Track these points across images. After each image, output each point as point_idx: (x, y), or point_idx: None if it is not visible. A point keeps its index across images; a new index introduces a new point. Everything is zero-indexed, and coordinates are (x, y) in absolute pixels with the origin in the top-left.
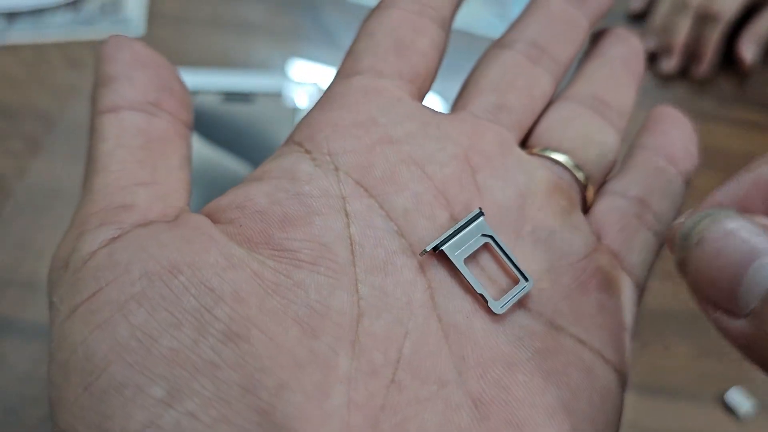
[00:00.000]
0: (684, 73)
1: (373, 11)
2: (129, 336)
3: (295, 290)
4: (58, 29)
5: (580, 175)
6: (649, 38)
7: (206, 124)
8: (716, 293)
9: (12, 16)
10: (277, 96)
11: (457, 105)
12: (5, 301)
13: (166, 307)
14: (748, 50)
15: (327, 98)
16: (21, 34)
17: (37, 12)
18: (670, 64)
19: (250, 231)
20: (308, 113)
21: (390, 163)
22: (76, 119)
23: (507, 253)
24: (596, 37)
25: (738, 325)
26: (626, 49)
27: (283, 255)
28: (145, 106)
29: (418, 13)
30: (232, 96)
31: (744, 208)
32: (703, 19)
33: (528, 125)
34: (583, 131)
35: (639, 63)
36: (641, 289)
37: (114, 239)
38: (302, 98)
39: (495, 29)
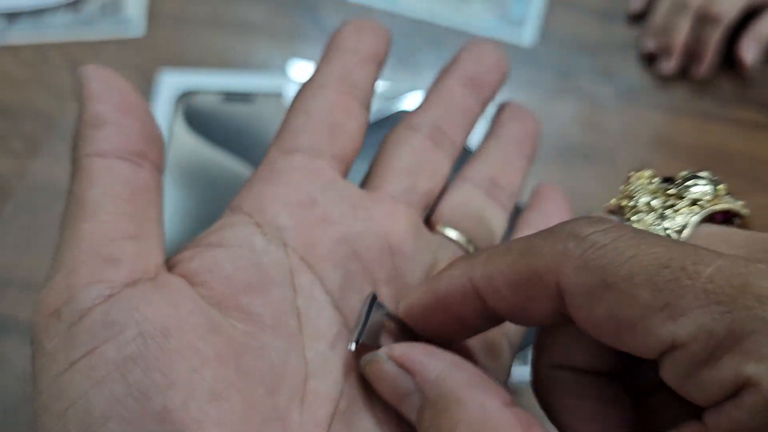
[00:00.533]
0: (683, 73)
1: (307, 87)
2: (126, 393)
3: (260, 352)
4: (58, 29)
5: (471, 249)
6: (648, 39)
7: (206, 124)
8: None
9: (12, 16)
10: (276, 96)
11: (373, 182)
12: (5, 301)
13: (159, 367)
14: (748, 52)
15: (271, 171)
16: (21, 35)
17: (37, 12)
18: (669, 65)
19: (221, 295)
20: (253, 182)
21: (329, 242)
22: (75, 119)
23: (400, 318)
24: (498, 112)
25: None
26: (521, 130)
27: (250, 318)
28: (132, 155)
29: (349, 94)
30: (232, 96)
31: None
32: (703, 19)
33: (431, 203)
34: (476, 212)
35: (531, 144)
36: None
37: (107, 298)
38: None
39: (494, 29)
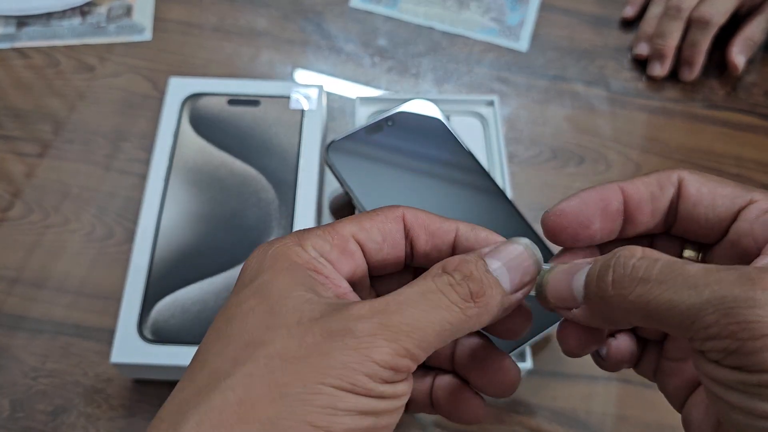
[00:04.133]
0: (674, 76)
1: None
2: None
3: None
4: (66, 34)
5: None
6: (641, 43)
7: (212, 127)
8: (562, 300)
9: (22, 20)
10: (282, 99)
11: None
12: (14, 299)
13: None
14: (739, 56)
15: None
16: (30, 39)
17: (46, 17)
18: (661, 68)
19: None
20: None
21: None
22: (83, 122)
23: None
24: None
25: (579, 311)
26: None
27: None
28: None
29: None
30: (238, 99)
31: (581, 217)
32: (695, 24)
33: None
34: None
35: None
36: None
37: None
38: (307, 102)
39: (491, 35)
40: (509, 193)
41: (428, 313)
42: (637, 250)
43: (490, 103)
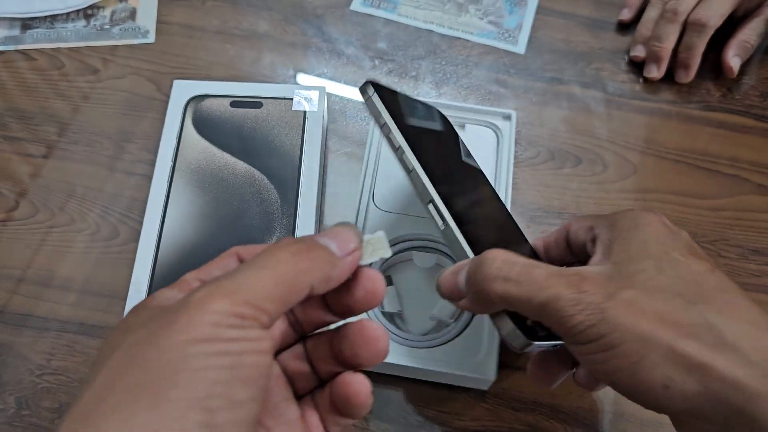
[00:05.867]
0: (670, 78)
1: None
2: None
3: None
4: (70, 36)
5: None
6: (637, 46)
7: (215, 129)
8: (452, 293)
9: (26, 22)
10: (284, 101)
11: None
12: (19, 297)
13: None
14: (734, 59)
15: None
16: (35, 41)
17: (50, 19)
18: (657, 71)
19: None
20: None
21: None
22: (88, 123)
23: None
24: None
25: (464, 300)
26: None
27: None
28: None
29: None
30: (240, 101)
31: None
32: (691, 27)
33: None
34: None
35: None
36: None
37: None
38: (308, 103)
39: (490, 37)
40: (509, 195)
41: (263, 269)
42: (500, 254)
43: (508, 117)
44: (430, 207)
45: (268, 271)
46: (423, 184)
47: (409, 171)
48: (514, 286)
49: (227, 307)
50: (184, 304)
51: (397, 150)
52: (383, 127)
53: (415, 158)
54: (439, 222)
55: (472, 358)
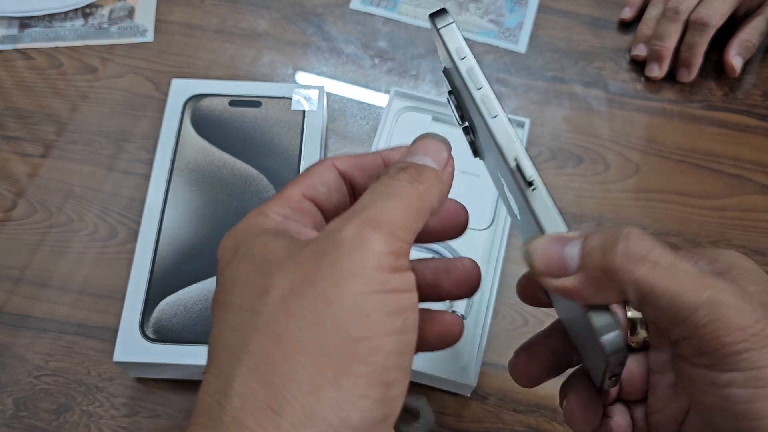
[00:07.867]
0: (671, 77)
1: None
2: None
3: None
4: (69, 35)
5: None
6: (639, 45)
7: (214, 128)
8: (553, 267)
9: (24, 21)
10: (284, 100)
11: None
12: (17, 298)
13: None
14: (736, 59)
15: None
16: (33, 40)
17: (48, 18)
18: (659, 70)
19: None
20: None
21: None
22: (86, 122)
23: None
24: None
25: (568, 279)
26: None
27: None
28: None
29: None
30: (239, 100)
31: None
32: (692, 26)
33: None
34: None
35: None
36: None
37: None
38: (308, 103)
39: (491, 36)
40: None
41: (391, 199)
42: (647, 235)
43: (521, 125)
44: (514, 164)
45: (396, 200)
46: (508, 134)
47: (494, 117)
48: (663, 275)
49: (383, 246)
50: (337, 241)
51: (479, 89)
52: (463, 60)
53: (498, 103)
54: (522, 183)
55: (455, 364)
